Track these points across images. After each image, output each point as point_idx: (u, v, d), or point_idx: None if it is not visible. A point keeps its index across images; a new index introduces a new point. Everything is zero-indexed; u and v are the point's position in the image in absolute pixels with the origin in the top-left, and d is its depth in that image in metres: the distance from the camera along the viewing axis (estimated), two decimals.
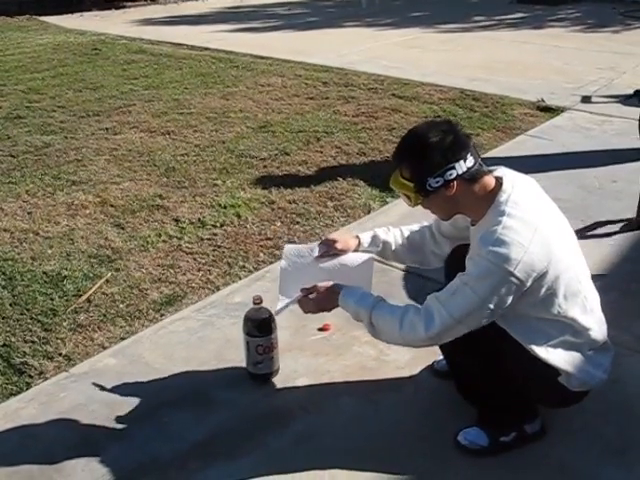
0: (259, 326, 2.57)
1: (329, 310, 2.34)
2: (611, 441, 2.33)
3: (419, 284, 3.20)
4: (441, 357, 2.56)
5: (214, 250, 3.68)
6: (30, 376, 2.75)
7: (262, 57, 8.13)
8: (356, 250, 2.49)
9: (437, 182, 2.04)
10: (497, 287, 1.96)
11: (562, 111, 5.90)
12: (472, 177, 2.06)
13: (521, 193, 2.06)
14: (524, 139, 5.28)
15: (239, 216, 4.05)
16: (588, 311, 2.16)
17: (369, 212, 4.08)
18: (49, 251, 3.69)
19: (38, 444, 2.39)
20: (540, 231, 1.98)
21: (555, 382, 2.15)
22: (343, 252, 2.46)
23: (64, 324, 3.08)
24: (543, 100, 6.08)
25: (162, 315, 3.14)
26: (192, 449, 2.34)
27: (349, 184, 4.46)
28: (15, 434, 2.44)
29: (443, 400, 2.49)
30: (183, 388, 2.64)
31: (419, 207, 2.17)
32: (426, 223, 2.54)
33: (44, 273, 3.47)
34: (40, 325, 3.07)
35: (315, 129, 5.53)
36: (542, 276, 1.99)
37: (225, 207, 4.17)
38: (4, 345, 2.94)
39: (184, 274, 3.46)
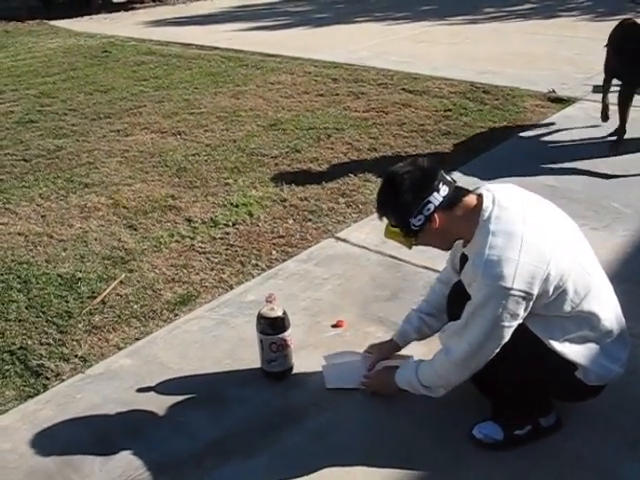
0: (272, 324, 2.58)
1: (391, 392, 2.45)
2: (627, 433, 2.32)
3: (432, 278, 3.19)
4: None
5: (227, 249, 3.70)
6: (47, 378, 2.78)
7: (271, 55, 8.13)
8: (395, 351, 2.63)
9: (419, 220, 2.12)
10: (503, 306, 1.98)
11: (573, 102, 5.86)
12: (451, 203, 2.12)
13: (502, 206, 2.08)
14: (535, 131, 5.25)
15: (251, 214, 4.06)
16: (603, 302, 2.16)
17: None
18: (63, 254, 3.72)
19: (56, 444, 2.41)
20: (528, 239, 2.00)
21: (572, 377, 2.15)
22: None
23: (79, 326, 3.10)
24: (554, 91, 6.05)
25: (176, 315, 3.15)
26: (208, 447, 2.36)
27: (360, 180, 4.46)
28: (33, 435, 2.46)
29: (457, 394, 2.47)
30: (198, 387, 2.65)
31: None
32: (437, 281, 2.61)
33: (59, 276, 3.50)
34: (56, 327, 3.10)
35: (325, 126, 5.53)
36: (546, 279, 2.00)
37: (237, 206, 4.18)
38: (21, 348, 2.97)
39: (197, 274, 3.48)
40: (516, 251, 1.97)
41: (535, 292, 1.99)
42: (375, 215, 3.86)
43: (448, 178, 2.16)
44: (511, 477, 2.19)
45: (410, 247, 2.26)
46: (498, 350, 2.08)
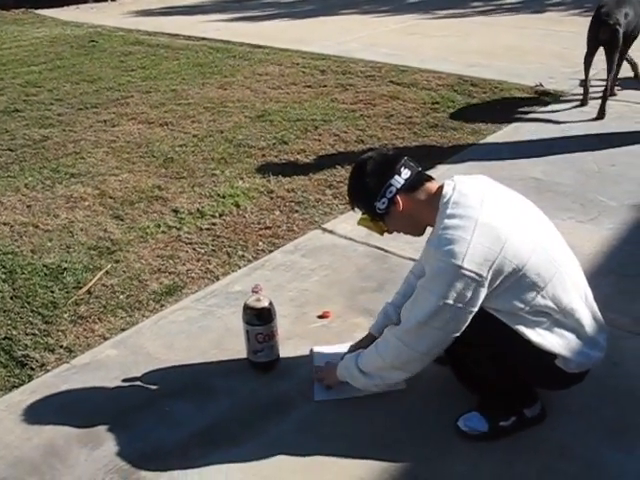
0: (259, 314, 2.57)
1: (333, 385, 2.50)
2: (611, 424, 2.33)
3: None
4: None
5: (213, 240, 3.69)
6: (32, 368, 2.77)
7: (259, 46, 8.11)
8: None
9: (383, 203, 2.18)
10: (451, 283, 1.99)
11: (560, 95, 5.88)
12: (412, 186, 2.18)
13: (461, 192, 2.10)
14: (522, 124, 5.26)
15: (238, 206, 4.06)
16: (570, 287, 2.15)
17: None
18: (49, 244, 3.70)
19: (41, 435, 2.40)
20: (482, 222, 2.01)
21: (552, 365, 2.15)
22: None
23: (65, 316, 3.09)
24: (541, 85, 6.07)
25: (162, 305, 3.15)
26: (193, 437, 2.36)
27: (347, 171, 4.37)
28: (18, 426, 2.45)
29: (443, 386, 2.49)
30: (184, 377, 2.65)
31: None
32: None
33: (44, 266, 3.48)
34: (41, 317, 3.08)
35: (313, 117, 5.52)
36: (501, 265, 2.00)
37: (224, 197, 4.17)
38: (5, 338, 2.95)
39: (184, 264, 3.47)
40: (469, 232, 1.99)
41: (486, 275, 1.98)
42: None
43: (411, 163, 2.21)
44: (496, 467, 2.20)
45: (382, 233, 2.33)
46: (447, 338, 2.08)
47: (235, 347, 2.73)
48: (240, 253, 3.54)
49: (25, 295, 3.25)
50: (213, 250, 3.59)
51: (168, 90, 6.50)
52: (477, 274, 1.98)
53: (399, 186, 2.17)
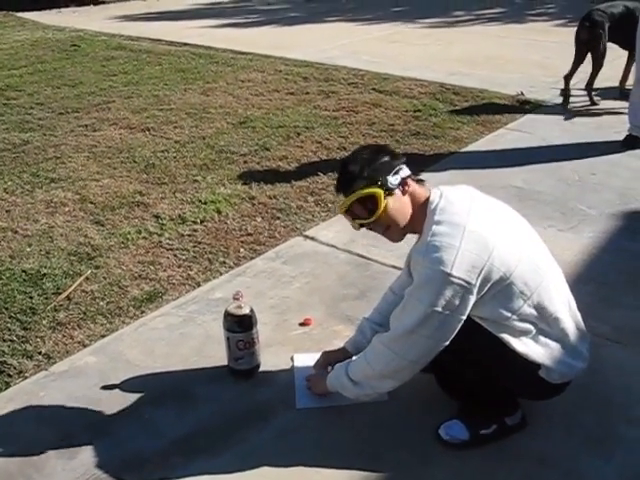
0: (240, 322, 2.56)
1: (322, 394, 2.47)
2: (591, 431, 2.34)
3: None
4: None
5: (194, 246, 3.67)
6: (9, 375, 2.73)
7: (242, 52, 8.11)
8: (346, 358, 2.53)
9: (395, 179, 2.15)
10: (440, 291, 1.98)
11: (541, 105, 5.92)
12: (417, 180, 2.22)
13: (448, 200, 2.12)
14: (504, 132, 5.30)
15: (219, 212, 4.04)
16: (555, 297, 2.16)
17: None
18: (28, 249, 3.67)
19: (18, 443, 2.37)
20: (470, 230, 2.01)
21: (535, 376, 2.16)
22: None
23: (43, 322, 3.06)
24: (522, 94, 6.11)
25: (142, 312, 3.12)
26: (173, 445, 2.34)
27: (329, 179, 4.45)
28: None
29: (424, 393, 2.49)
30: (164, 385, 2.62)
31: None
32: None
33: (23, 271, 3.45)
34: (19, 324, 3.05)
35: (295, 124, 5.52)
36: (489, 272, 2.00)
37: (205, 203, 4.15)
38: None
39: (164, 270, 3.45)
40: (458, 239, 1.99)
41: (474, 282, 1.98)
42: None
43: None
44: (477, 475, 2.20)
45: (358, 228, 2.26)
46: (436, 346, 2.07)
47: (216, 354, 2.71)
48: (221, 259, 3.53)
49: (3, 301, 3.21)
50: (194, 256, 3.57)
51: (150, 95, 6.47)
52: (466, 281, 1.97)
53: (408, 173, 2.19)
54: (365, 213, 2.18)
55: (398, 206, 2.17)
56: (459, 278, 1.96)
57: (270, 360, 2.71)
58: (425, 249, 2.02)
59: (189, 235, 3.79)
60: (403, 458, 2.26)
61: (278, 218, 3.97)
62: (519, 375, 2.16)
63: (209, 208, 4.09)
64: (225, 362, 2.65)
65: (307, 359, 2.67)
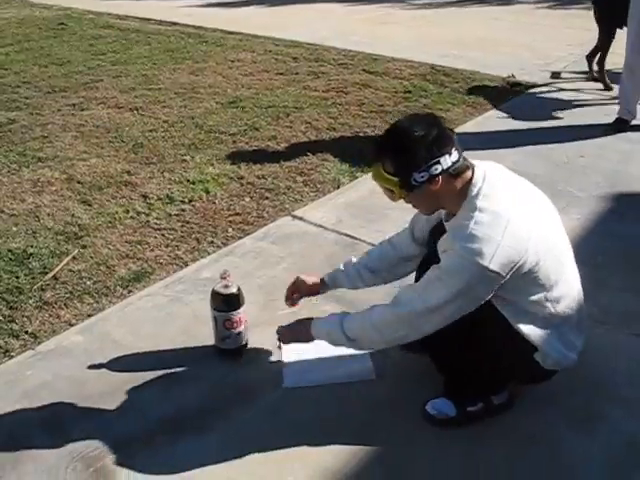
0: (227, 301, 2.55)
1: (304, 341, 2.39)
2: (576, 411, 2.36)
3: None
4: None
5: (182, 226, 3.65)
6: None
7: (232, 32, 8.05)
8: (321, 291, 2.65)
9: (422, 177, 2.01)
10: (471, 282, 1.95)
11: (531, 87, 5.91)
12: (456, 172, 2.04)
13: (492, 184, 2.04)
14: (493, 114, 5.29)
15: (208, 192, 4.02)
16: (570, 289, 2.18)
17: (338, 187, 4.06)
18: (14, 228, 3.64)
19: (3, 423, 2.36)
20: (513, 223, 1.97)
21: (530, 359, 2.16)
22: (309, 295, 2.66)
23: (30, 302, 3.04)
24: (513, 76, 6.09)
25: (130, 292, 3.11)
26: (160, 425, 2.33)
27: (319, 159, 4.44)
28: None
29: (412, 372, 2.50)
30: (151, 364, 2.61)
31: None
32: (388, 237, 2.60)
33: (9, 251, 3.42)
34: (5, 303, 3.03)
35: (285, 104, 5.49)
36: (522, 265, 1.98)
37: (194, 183, 4.13)
38: None
39: (152, 250, 3.43)
40: (500, 232, 1.94)
41: (506, 274, 1.96)
42: (332, 194, 3.93)
43: (459, 147, 2.07)
44: (464, 454, 2.21)
45: (397, 200, 2.13)
46: (449, 321, 2.05)
47: (203, 334, 2.70)
48: (209, 239, 3.51)
49: None
50: (182, 236, 3.55)
51: (139, 75, 6.42)
52: (499, 274, 1.95)
53: (445, 167, 2.01)
54: (386, 191, 2.13)
55: (420, 198, 2.11)
56: (494, 272, 1.93)
57: (257, 340, 2.70)
58: (464, 236, 1.96)
59: (177, 215, 3.77)
60: (390, 436, 2.27)
61: (266, 198, 3.95)
62: (515, 355, 2.16)
63: (197, 188, 4.07)
64: (212, 342, 2.65)
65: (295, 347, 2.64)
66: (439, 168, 2.00)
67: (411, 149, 2.01)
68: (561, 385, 2.42)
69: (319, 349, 2.47)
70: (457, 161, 2.03)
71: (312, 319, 2.35)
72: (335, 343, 2.27)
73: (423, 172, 2.00)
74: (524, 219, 2.01)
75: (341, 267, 2.60)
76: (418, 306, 2.04)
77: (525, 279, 2.02)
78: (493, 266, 1.92)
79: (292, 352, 2.60)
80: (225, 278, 2.55)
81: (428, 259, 2.28)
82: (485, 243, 1.93)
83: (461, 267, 1.96)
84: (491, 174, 2.08)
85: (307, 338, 2.36)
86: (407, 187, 2.05)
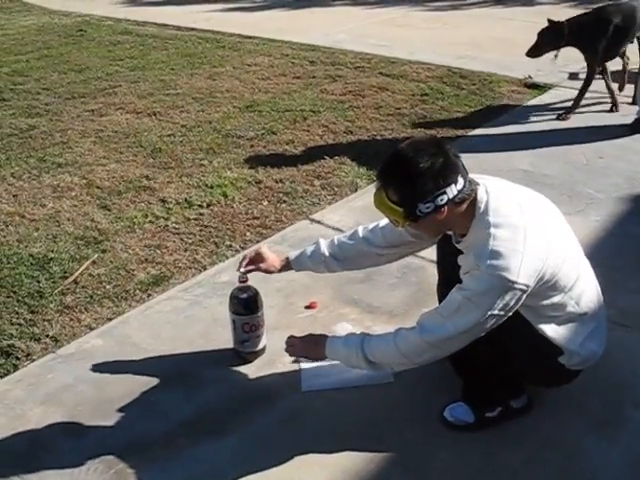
0: (245, 304, 2.57)
1: (314, 359, 2.39)
2: (596, 415, 2.35)
3: (406, 261, 3.21)
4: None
5: (201, 230, 3.68)
6: (17, 358, 2.75)
7: (249, 37, 8.07)
8: (279, 271, 2.61)
9: (427, 208, 1.97)
10: (502, 297, 1.93)
11: (549, 88, 5.88)
12: (462, 199, 2.00)
13: (496, 198, 2.02)
14: (511, 116, 5.27)
15: (226, 196, 4.04)
16: (587, 287, 2.17)
17: (356, 190, 4.07)
18: (35, 233, 3.68)
19: (26, 425, 2.39)
20: (530, 231, 1.96)
21: (554, 362, 2.16)
22: (266, 271, 2.59)
23: (51, 306, 3.07)
24: (530, 77, 6.07)
25: (149, 295, 3.13)
26: (180, 427, 2.35)
27: (336, 162, 4.45)
28: (2, 416, 2.44)
29: (428, 376, 2.49)
30: (170, 367, 2.64)
31: None
32: (360, 231, 2.53)
33: (30, 255, 3.46)
34: (27, 307, 3.07)
35: (302, 108, 5.51)
36: (544, 273, 1.98)
37: (212, 187, 4.15)
38: None
39: (171, 254, 3.45)
40: (521, 243, 1.93)
41: (532, 284, 1.95)
42: (350, 197, 3.94)
43: (465, 170, 2.03)
44: (481, 457, 2.21)
45: (401, 227, 2.11)
46: (476, 337, 2.04)
47: (222, 337, 2.72)
48: (227, 243, 3.53)
49: (11, 285, 3.22)
50: (200, 240, 3.58)
51: (156, 80, 6.46)
52: (527, 285, 1.94)
53: (451, 196, 1.97)
54: (390, 218, 2.11)
55: (424, 227, 2.10)
56: (522, 284, 1.92)
57: (276, 343, 2.69)
58: (486, 254, 1.93)
59: (195, 219, 3.80)
60: (407, 441, 2.28)
61: (284, 202, 3.97)
62: (539, 359, 2.15)
63: (215, 192, 4.09)
64: (231, 345, 2.66)
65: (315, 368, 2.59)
66: (445, 198, 1.96)
67: (417, 181, 1.95)
68: (580, 387, 2.40)
69: None
70: (463, 188, 1.99)
71: (326, 337, 2.31)
72: (351, 365, 2.24)
73: (429, 203, 1.96)
74: (538, 225, 2.01)
75: (308, 252, 2.57)
76: (448, 331, 2.01)
77: (548, 283, 2.02)
78: (521, 279, 1.91)
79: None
80: (244, 282, 2.56)
81: (447, 277, 2.23)
82: (509, 257, 1.91)
83: (490, 286, 1.93)
84: (492, 188, 2.06)
85: (318, 357, 2.33)
86: (412, 218, 2.01)
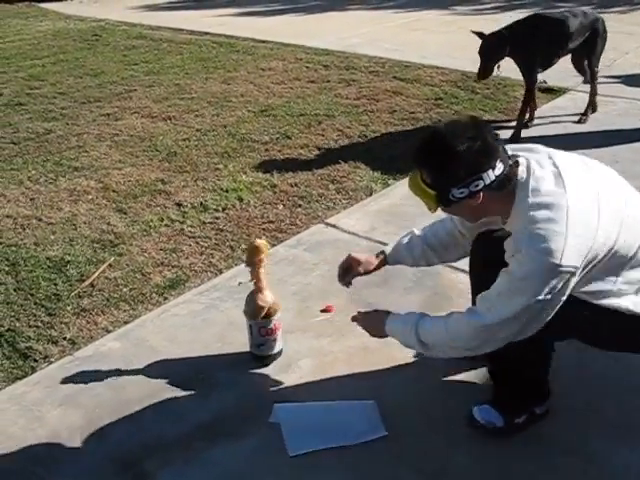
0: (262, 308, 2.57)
1: (375, 335, 2.31)
2: (615, 420, 2.33)
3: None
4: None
5: (216, 234, 3.69)
6: (35, 360, 2.77)
7: (263, 41, 8.11)
8: (376, 269, 2.52)
9: (461, 193, 1.90)
10: (546, 282, 1.85)
11: (564, 92, 5.88)
12: (499, 185, 1.91)
13: (537, 176, 1.91)
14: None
15: (241, 199, 4.06)
16: None
17: (371, 194, 4.07)
18: (52, 237, 3.71)
19: (44, 427, 2.41)
20: (573, 209, 1.84)
21: None
22: (366, 273, 2.51)
23: (68, 309, 3.09)
24: (545, 81, 6.05)
25: (165, 299, 3.15)
26: (196, 430, 2.36)
27: (351, 167, 4.45)
28: (21, 417, 2.45)
29: (447, 380, 2.50)
30: (187, 370, 2.65)
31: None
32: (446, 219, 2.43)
33: (47, 258, 3.49)
34: (44, 310, 3.09)
35: (316, 112, 5.52)
36: (595, 251, 1.87)
37: (227, 191, 4.17)
38: (9, 330, 2.96)
39: (187, 258, 3.47)
40: (563, 224, 1.82)
41: (580, 265, 1.84)
42: (365, 201, 3.95)
43: (506, 154, 1.93)
44: (499, 461, 2.20)
45: (434, 211, 2.03)
46: (530, 329, 1.94)
47: (238, 340, 2.73)
48: (243, 247, 3.54)
49: (28, 287, 3.25)
50: (216, 244, 3.59)
51: (171, 84, 6.49)
52: (573, 267, 1.84)
53: (488, 182, 1.88)
54: (423, 201, 2.03)
55: (458, 211, 2.05)
56: (568, 266, 1.82)
57: (292, 346, 2.72)
58: (527, 238, 1.84)
59: (211, 223, 3.81)
60: (428, 444, 2.27)
61: (299, 206, 3.98)
62: (630, 331, 2.05)
63: (231, 196, 4.10)
64: (247, 348, 2.67)
65: (289, 408, 2.46)
66: (480, 184, 1.89)
67: (451, 165, 1.88)
68: (597, 393, 2.41)
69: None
70: (501, 173, 1.89)
71: (389, 313, 2.24)
72: (407, 344, 2.18)
73: (463, 189, 1.89)
74: (584, 203, 1.88)
75: (404, 241, 2.47)
76: (494, 318, 1.93)
77: (603, 263, 1.90)
78: (565, 261, 1.81)
79: (289, 417, 2.41)
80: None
81: (488, 259, 2.13)
82: (551, 240, 1.81)
83: (533, 270, 1.84)
84: (535, 165, 1.95)
85: (379, 333, 2.26)
86: (444, 202, 1.96)
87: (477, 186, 1.89)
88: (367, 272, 2.53)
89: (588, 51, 5.02)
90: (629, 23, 8.68)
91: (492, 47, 4.83)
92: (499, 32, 4.81)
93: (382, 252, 2.53)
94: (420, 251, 2.44)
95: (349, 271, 2.54)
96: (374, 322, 2.29)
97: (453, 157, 1.87)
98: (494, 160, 1.89)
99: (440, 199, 1.95)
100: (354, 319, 2.37)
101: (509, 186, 1.93)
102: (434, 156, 1.93)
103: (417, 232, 2.49)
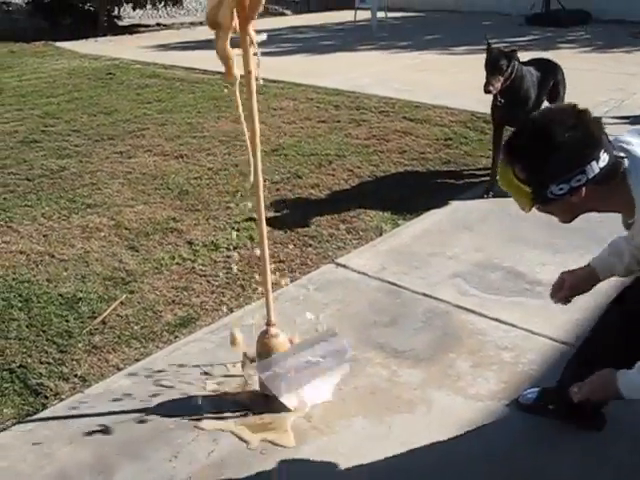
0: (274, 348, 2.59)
1: (606, 397, 2.07)
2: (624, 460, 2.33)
3: (432, 305, 3.22)
4: (527, 391, 2.55)
5: (227, 272, 3.72)
6: (46, 397, 2.78)
7: (274, 81, 8.20)
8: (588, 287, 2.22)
9: (561, 190, 1.74)
10: None
11: None
12: (606, 177, 1.73)
13: (637, 165, 1.75)
14: None
15: (252, 239, 4.09)
16: None
17: (381, 234, 4.10)
18: (64, 273, 3.74)
19: (53, 464, 2.41)
20: None
21: None
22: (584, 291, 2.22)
23: (79, 345, 3.11)
24: None
25: (176, 337, 3.17)
26: (206, 469, 2.36)
27: (361, 206, 4.49)
28: (31, 454, 2.46)
29: (455, 421, 2.49)
30: (199, 408, 2.65)
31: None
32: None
33: (59, 295, 3.52)
34: (56, 346, 3.11)
35: (327, 152, 5.58)
36: None
37: (238, 230, 4.21)
38: (20, 366, 2.97)
39: (198, 296, 3.49)
40: None
41: None
42: (375, 241, 3.97)
43: (610, 144, 1.76)
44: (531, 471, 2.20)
45: (528, 211, 1.86)
46: None
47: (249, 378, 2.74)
48: (254, 286, 3.56)
49: (40, 324, 3.28)
50: (227, 282, 3.62)
51: (184, 123, 6.58)
52: None
53: (591, 176, 1.71)
54: (515, 198, 1.87)
55: (557, 209, 1.86)
56: None
57: None
58: None
59: (222, 261, 3.84)
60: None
61: (310, 245, 4.01)
62: None
63: (242, 235, 4.14)
64: (257, 387, 2.68)
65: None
66: (583, 179, 1.71)
67: (549, 158, 1.70)
68: (606, 436, 2.40)
69: None
70: (607, 165, 1.72)
71: (613, 371, 1.93)
72: None
73: (563, 184, 1.72)
74: None
75: (612, 254, 2.15)
76: None
77: None
78: None
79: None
80: (271, 325, 2.59)
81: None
82: None
83: None
84: (634, 151, 1.78)
85: (609, 394, 1.97)
86: (541, 200, 1.79)
87: (579, 181, 1.72)
88: (585, 290, 2.22)
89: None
90: (634, 63, 8.78)
91: (498, 58, 5.13)
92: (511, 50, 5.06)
93: (588, 265, 2.21)
94: (629, 255, 2.10)
95: (569, 289, 2.22)
96: (600, 385, 1.97)
97: (552, 148, 1.70)
98: (598, 150, 1.72)
99: (536, 197, 1.79)
100: (574, 394, 2.04)
101: (617, 178, 1.75)
102: (529, 149, 1.76)
103: (622, 235, 2.15)
